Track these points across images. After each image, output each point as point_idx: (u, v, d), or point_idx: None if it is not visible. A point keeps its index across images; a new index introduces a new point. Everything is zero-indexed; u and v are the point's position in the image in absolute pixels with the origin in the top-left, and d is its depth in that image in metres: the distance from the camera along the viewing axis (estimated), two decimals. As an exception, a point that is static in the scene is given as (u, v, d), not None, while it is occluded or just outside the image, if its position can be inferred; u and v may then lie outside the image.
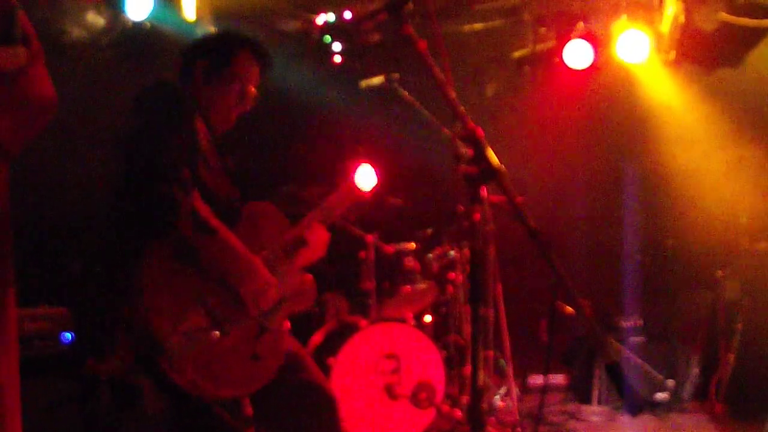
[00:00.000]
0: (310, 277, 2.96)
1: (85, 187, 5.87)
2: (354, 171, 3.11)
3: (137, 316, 2.42)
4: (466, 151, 2.22)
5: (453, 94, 2.06)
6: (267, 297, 2.67)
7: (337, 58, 6.90)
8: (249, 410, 2.78)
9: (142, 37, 5.94)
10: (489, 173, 1.94)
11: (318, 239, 2.96)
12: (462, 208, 2.58)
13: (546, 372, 5.25)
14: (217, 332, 2.51)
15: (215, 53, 2.95)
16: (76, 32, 5.71)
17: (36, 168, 5.19)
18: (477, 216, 1.97)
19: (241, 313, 2.63)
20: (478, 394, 2.00)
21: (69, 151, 5.81)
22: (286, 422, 2.84)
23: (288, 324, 2.90)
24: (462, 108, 2.04)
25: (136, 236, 2.53)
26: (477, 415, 1.98)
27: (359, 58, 6.93)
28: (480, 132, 1.99)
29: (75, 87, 5.42)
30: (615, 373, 1.70)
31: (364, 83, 5.28)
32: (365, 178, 3.08)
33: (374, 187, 3.13)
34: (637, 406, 1.44)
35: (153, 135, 2.57)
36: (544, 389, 5.56)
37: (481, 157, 1.95)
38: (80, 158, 5.88)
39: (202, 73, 2.91)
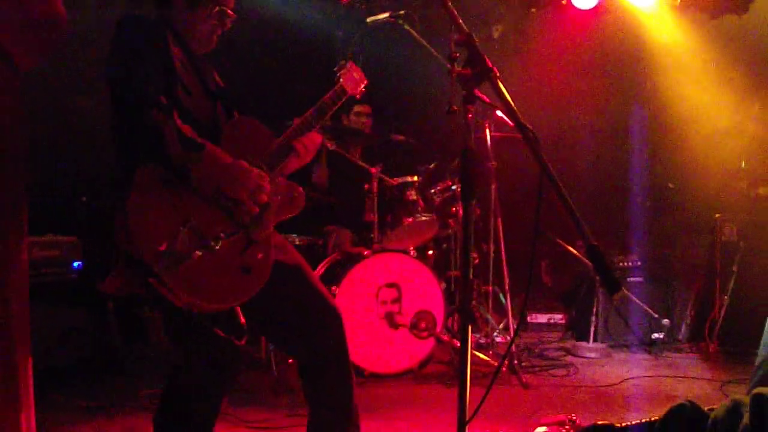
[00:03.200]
0: (299, 187, 3.04)
1: (93, 116, 5.97)
2: (344, 72, 3.17)
3: (128, 242, 2.52)
4: (460, 54, 2.29)
5: (450, 3, 2.13)
6: (264, 192, 2.76)
7: (345, -3, 6.97)
8: (242, 320, 2.86)
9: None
10: (483, 74, 2.03)
11: (307, 143, 3.02)
12: (456, 108, 2.63)
13: (525, 300, 5.34)
14: (200, 252, 2.59)
15: None
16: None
17: (46, 98, 5.29)
18: (470, 116, 2.07)
19: (230, 225, 2.70)
20: (468, 288, 2.12)
21: (78, 81, 5.89)
22: (292, 333, 2.92)
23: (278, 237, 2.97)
24: (458, 16, 2.11)
25: (129, 164, 2.61)
26: (466, 307, 2.09)
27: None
28: (474, 37, 2.07)
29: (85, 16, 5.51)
30: (594, 253, 1.79)
31: (371, 19, 5.34)
32: (354, 78, 3.17)
33: (363, 87, 3.21)
34: (616, 285, 1.50)
35: (124, 66, 2.65)
36: (522, 316, 5.64)
37: (475, 59, 2.04)
38: (88, 89, 5.97)
39: None
